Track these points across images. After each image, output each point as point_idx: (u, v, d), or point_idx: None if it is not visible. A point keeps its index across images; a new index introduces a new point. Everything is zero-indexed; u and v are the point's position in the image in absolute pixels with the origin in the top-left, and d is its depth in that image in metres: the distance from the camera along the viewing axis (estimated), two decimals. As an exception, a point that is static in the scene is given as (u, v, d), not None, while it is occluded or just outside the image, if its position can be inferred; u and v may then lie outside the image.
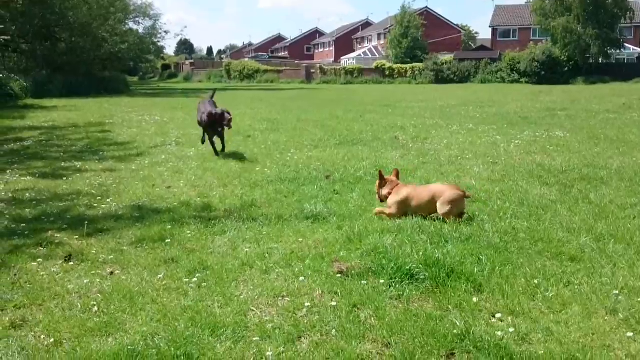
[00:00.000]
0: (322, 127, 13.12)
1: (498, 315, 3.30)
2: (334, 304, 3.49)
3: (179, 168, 8.30)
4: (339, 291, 3.67)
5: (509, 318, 3.28)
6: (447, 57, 50.07)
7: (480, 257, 4.12)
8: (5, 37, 20.83)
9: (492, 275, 3.83)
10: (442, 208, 5.12)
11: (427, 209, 5.26)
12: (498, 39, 57.93)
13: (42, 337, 3.18)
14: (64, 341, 3.10)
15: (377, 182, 5.61)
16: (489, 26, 59.42)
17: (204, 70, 64.90)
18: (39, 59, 29.93)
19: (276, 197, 6.34)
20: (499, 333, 3.07)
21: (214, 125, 9.26)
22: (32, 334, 3.22)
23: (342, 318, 3.29)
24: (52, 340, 3.12)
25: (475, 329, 3.11)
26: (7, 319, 3.39)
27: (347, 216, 5.41)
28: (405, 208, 5.30)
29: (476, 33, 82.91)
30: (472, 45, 70.28)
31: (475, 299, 3.50)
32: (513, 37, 56.93)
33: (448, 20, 68.27)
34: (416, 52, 54.59)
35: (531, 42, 48.29)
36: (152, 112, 17.58)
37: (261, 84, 50.07)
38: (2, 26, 20.54)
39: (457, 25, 69.90)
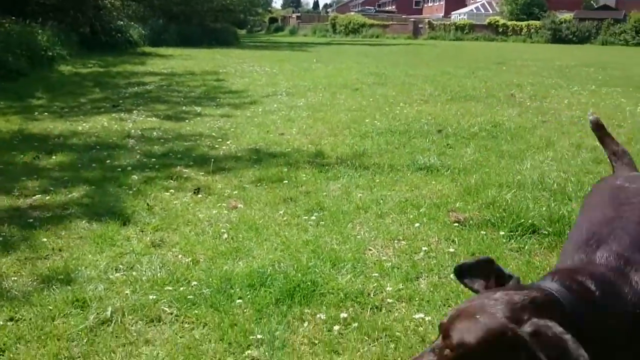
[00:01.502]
0: (431, 82, 12.85)
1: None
2: (451, 250, 3.52)
3: (290, 117, 8.51)
4: (456, 239, 3.69)
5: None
6: (566, 15, 46.66)
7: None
8: (124, -16, 22.15)
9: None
10: None
11: None
12: (624, -2, 52.96)
13: (180, 256, 3.48)
14: (200, 260, 3.39)
15: None
16: (616, -17, 54.40)
17: (309, 24, 64.89)
18: (156, 8, 31.26)
19: (387, 147, 6.38)
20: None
21: None
22: (171, 252, 3.53)
23: (461, 264, 3.32)
24: (189, 259, 3.41)
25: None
26: (148, 239, 3.74)
27: (462, 169, 5.35)
28: None
29: (600, -10, 76.15)
30: (594, 4, 64.75)
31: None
32: (642, -5, 51.75)
33: (570, -24, 63.17)
34: (533, 9, 51.28)
35: (662, 1, 43.75)
36: (262, 64, 17.99)
37: (366, 39, 49.41)
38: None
39: (579, -19, 64.55)
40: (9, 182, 4.89)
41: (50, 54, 14.99)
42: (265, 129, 7.55)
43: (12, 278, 3.12)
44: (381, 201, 4.47)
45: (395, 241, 3.71)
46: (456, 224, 3.93)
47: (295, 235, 3.80)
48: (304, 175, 5.28)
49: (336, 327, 2.64)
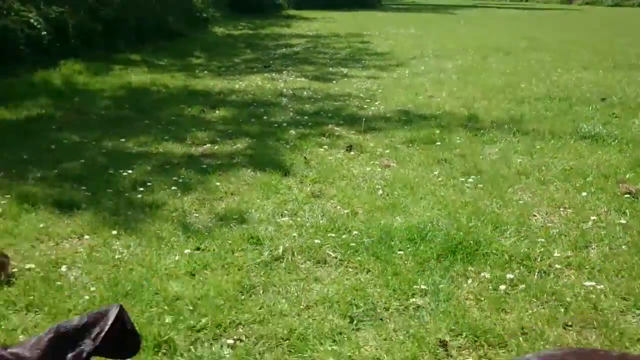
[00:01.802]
0: (590, 49, 11.86)
1: None
2: (623, 222, 3.30)
3: (439, 79, 8.35)
4: (627, 211, 3.45)
5: None
6: None
7: None
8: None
9: None
10: None
11: None
12: None
13: (338, 207, 3.62)
14: (359, 213, 3.50)
15: None
16: None
17: (453, -13, 62.34)
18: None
19: (546, 114, 6.06)
20: None
21: None
22: (330, 203, 3.68)
23: (634, 236, 3.11)
24: (348, 210, 3.53)
25: None
26: (308, 189, 3.93)
27: (631, 140, 4.96)
28: None
29: None
30: None
31: None
32: None
33: None
34: None
35: None
36: (406, 26, 17.68)
37: (515, 3, 46.52)
38: None
39: None
40: (182, 132, 5.35)
41: (205, 15, 15.89)
42: (414, 91, 7.48)
43: (194, 215, 3.46)
44: (543, 168, 4.28)
45: (561, 209, 3.55)
46: (627, 196, 3.67)
47: (452, 196, 3.77)
48: (458, 138, 5.19)
49: (502, 287, 2.61)
